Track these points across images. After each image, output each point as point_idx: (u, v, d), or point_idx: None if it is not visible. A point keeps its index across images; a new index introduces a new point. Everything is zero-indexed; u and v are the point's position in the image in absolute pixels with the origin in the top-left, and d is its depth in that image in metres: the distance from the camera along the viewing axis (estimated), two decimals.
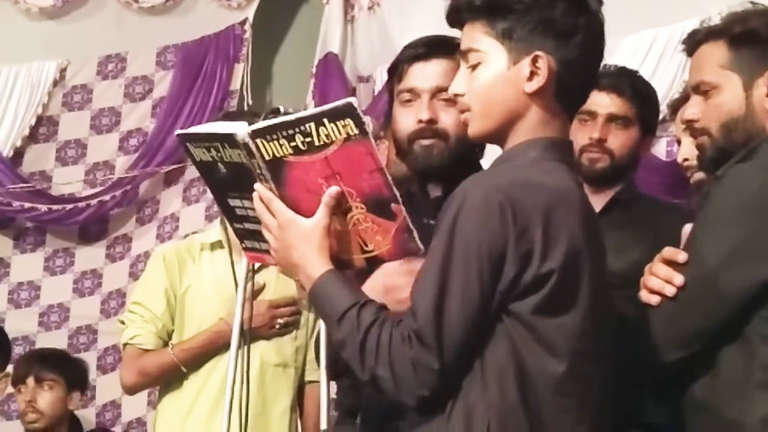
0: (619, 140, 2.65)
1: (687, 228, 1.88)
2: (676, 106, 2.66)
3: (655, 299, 1.81)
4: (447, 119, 2.15)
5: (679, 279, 1.78)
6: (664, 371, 1.86)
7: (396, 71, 2.24)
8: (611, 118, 2.64)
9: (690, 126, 2.03)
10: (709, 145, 1.97)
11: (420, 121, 2.15)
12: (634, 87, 2.66)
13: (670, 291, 1.79)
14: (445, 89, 2.16)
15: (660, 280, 1.81)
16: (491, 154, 2.18)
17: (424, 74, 2.18)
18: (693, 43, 2.03)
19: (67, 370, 3.78)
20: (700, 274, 1.78)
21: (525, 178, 1.67)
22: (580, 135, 2.59)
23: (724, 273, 1.76)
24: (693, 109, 2.00)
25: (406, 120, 2.19)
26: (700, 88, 1.99)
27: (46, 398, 3.68)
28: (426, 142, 2.14)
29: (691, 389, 1.84)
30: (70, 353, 4.11)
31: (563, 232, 1.64)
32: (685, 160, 2.54)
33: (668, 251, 1.83)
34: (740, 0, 3.05)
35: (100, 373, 4.42)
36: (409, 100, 2.19)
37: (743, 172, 1.83)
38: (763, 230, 1.75)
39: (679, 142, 2.64)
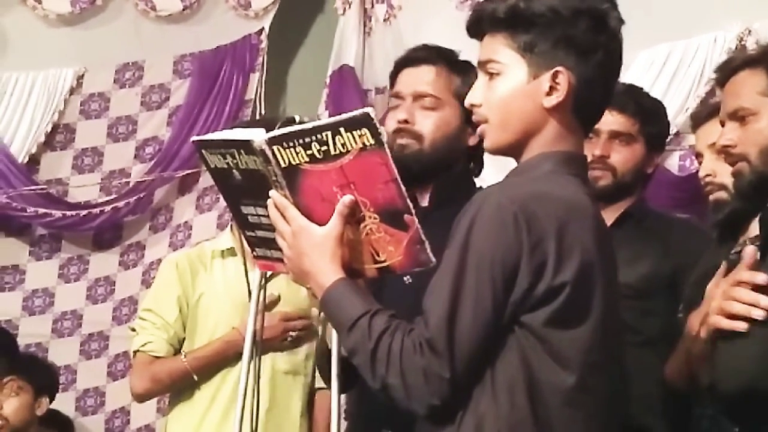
0: (621, 157, 2.64)
1: (750, 249, 1.83)
2: (698, 119, 2.65)
3: (742, 325, 1.75)
4: (424, 122, 2.22)
5: (765, 301, 1.73)
6: (753, 402, 1.80)
7: (390, 77, 2.31)
8: (614, 135, 2.63)
9: (726, 152, 2.03)
10: (748, 171, 1.98)
11: (398, 121, 2.17)
12: (637, 103, 2.65)
13: (758, 314, 1.74)
14: (426, 95, 2.23)
15: (743, 304, 1.76)
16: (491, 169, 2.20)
17: (409, 79, 2.25)
18: (729, 70, 2.04)
19: (36, 375, 3.66)
20: None
21: (539, 191, 1.67)
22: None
23: None
24: (730, 135, 2.00)
25: (389, 122, 2.25)
26: (737, 114, 2.00)
27: (12, 404, 3.54)
28: (401, 141, 2.18)
29: None
30: (40, 357, 4.06)
31: (576, 245, 1.64)
32: (707, 175, 2.54)
33: (744, 274, 1.78)
34: (755, 14, 3.07)
35: (110, 379, 4.43)
36: (395, 105, 2.24)
37: None
38: None
39: (698, 155, 2.64)
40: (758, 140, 1.95)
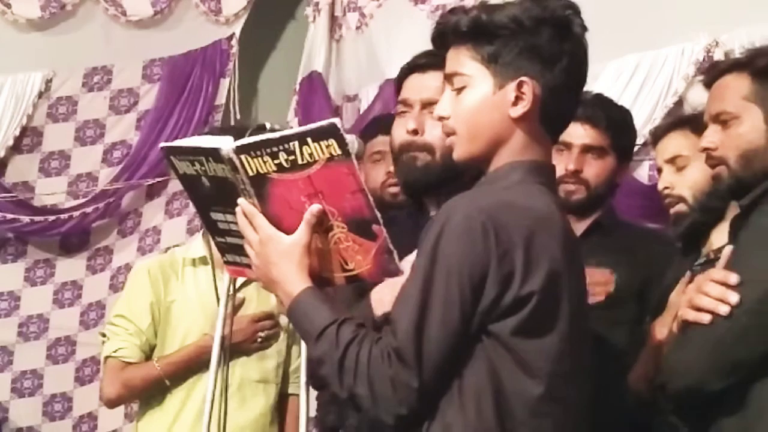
0: (594, 170, 2.64)
1: (727, 250, 1.86)
2: (657, 134, 2.67)
3: (706, 317, 1.77)
4: (434, 133, 2.14)
5: (734, 298, 1.75)
6: (699, 400, 1.82)
7: (397, 83, 2.25)
8: (586, 149, 2.63)
9: (707, 154, 2.05)
10: (726, 175, 1.99)
11: (407, 132, 2.16)
12: (609, 117, 2.65)
13: (724, 310, 1.76)
14: (435, 102, 2.17)
15: (711, 299, 1.78)
16: None
17: (418, 86, 2.18)
18: (715, 73, 2.05)
19: None
20: (748, 299, 1.75)
21: (508, 201, 1.68)
22: (556, 165, 2.59)
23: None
24: (712, 137, 2.02)
25: (398, 131, 2.19)
26: (719, 118, 2.01)
27: None
28: (412, 153, 2.15)
29: (721, 420, 1.81)
30: None
31: (544, 255, 1.64)
32: (666, 188, 2.56)
33: (718, 273, 1.80)
34: (723, 26, 3.10)
35: (77, 384, 4.41)
36: (403, 112, 2.20)
37: None
38: None
39: (658, 170, 2.66)
40: (739, 144, 1.97)
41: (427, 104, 2.16)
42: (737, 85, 1.99)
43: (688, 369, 1.80)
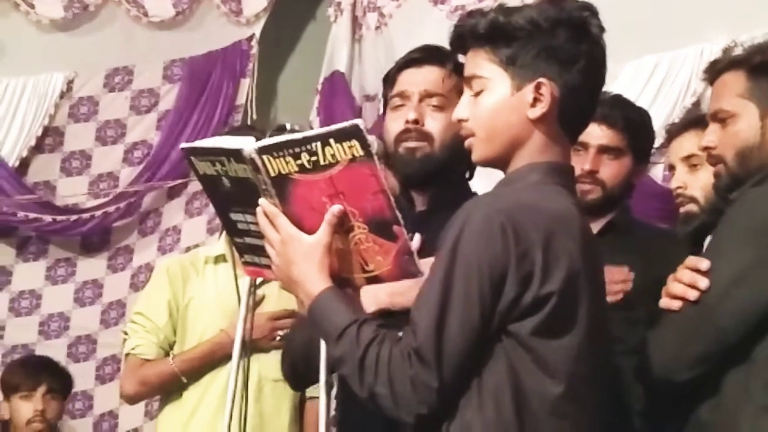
0: (610, 171, 2.63)
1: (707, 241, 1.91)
2: (673, 132, 2.66)
3: (676, 304, 1.81)
4: (433, 124, 2.17)
5: (704, 283, 1.78)
6: (674, 390, 1.86)
7: (389, 79, 2.26)
8: (603, 150, 2.62)
9: (708, 153, 2.05)
10: (724, 173, 2.00)
11: (407, 122, 2.16)
12: (626, 117, 2.64)
13: (693, 295, 1.79)
14: (434, 94, 2.19)
15: (683, 285, 1.81)
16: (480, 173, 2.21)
17: (415, 78, 2.21)
18: (714, 71, 2.06)
19: (64, 379, 3.82)
20: (712, 294, 1.79)
21: (527, 201, 1.69)
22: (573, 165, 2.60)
23: (734, 294, 1.77)
24: (710, 136, 2.02)
25: (394, 123, 2.20)
26: (717, 116, 2.02)
27: (54, 408, 3.70)
28: (411, 144, 2.15)
29: (697, 410, 1.85)
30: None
31: (563, 256, 1.65)
32: (679, 188, 2.55)
33: (691, 259, 1.83)
34: (741, 27, 3.10)
35: (98, 383, 4.43)
36: (399, 105, 2.20)
37: (758, 195, 1.85)
38: None
39: (671, 167, 2.66)
40: (734, 143, 1.97)
41: (426, 96, 2.18)
42: (734, 83, 1.99)
43: (657, 359, 1.83)
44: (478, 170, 2.21)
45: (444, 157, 2.17)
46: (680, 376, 1.82)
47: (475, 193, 2.30)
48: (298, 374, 2.21)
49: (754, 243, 1.78)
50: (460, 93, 2.20)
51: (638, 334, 2.48)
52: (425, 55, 2.23)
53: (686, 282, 1.81)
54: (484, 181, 2.06)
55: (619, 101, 2.69)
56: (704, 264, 1.80)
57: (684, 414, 1.87)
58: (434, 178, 2.14)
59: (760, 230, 1.79)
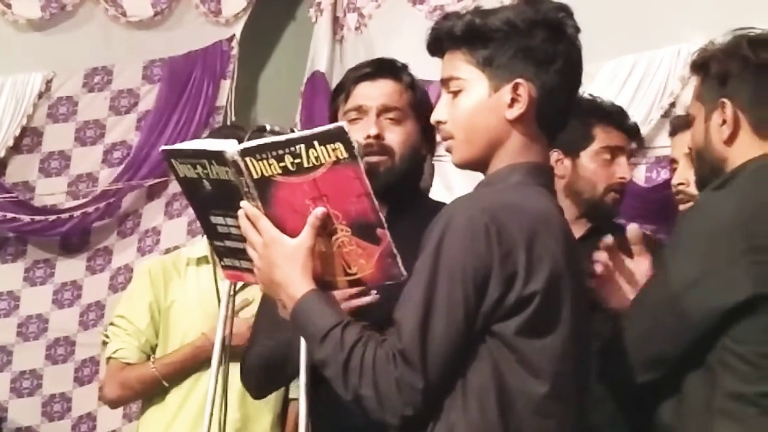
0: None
1: (631, 226, 2.03)
2: (677, 126, 2.66)
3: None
4: (392, 137, 2.20)
5: (603, 257, 2.01)
6: (634, 392, 1.88)
7: (342, 91, 2.28)
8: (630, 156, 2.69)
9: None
10: (695, 173, 2.03)
11: (368, 137, 2.18)
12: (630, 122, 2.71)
13: (598, 269, 2.01)
14: (392, 108, 2.22)
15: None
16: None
17: (371, 93, 2.23)
18: (694, 70, 2.07)
19: None
20: (665, 297, 1.81)
21: (509, 202, 1.70)
22: (607, 173, 2.61)
23: (687, 298, 1.78)
24: (690, 139, 2.05)
25: (354, 137, 2.22)
26: (687, 118, 2.04)
27: None
28: (373, 159, 2.16)
29: (658, 412, 1.86)
30: None
31: (546, 256, 1.66)
32: (680, 184, 2.55)
33: (607, 238, 2.00)
34: (719, 27, 3.11)
35: (77, 384, 4.41)
36: (356, 119, 2.22)
37: (713, 199, 1.86)
38: (726, 258, 1.77)
39: (672, 161, 2.66)
40: (693, 144, 2.00)
41: (383, 110, 2.21)
42: (696, 85, 2.01)
43: (616, 361, 1.85)
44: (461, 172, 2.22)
45: (404, 169, 2.21)
46: (638, 377, 1.83)
47: (431, 200, 2.33)
48: (260, 387, 2.30)
49: (706, 248, 1.79)
50: (414, 107, 2.23)
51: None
52: (378, 69, 2.26)
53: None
54: (465, 181, 2.07)
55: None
56: (608, 239, 2.00)
57: (647, 416, 1.89)
58: (394, 190, 2.17)
59: (713, 234, 1.79)
